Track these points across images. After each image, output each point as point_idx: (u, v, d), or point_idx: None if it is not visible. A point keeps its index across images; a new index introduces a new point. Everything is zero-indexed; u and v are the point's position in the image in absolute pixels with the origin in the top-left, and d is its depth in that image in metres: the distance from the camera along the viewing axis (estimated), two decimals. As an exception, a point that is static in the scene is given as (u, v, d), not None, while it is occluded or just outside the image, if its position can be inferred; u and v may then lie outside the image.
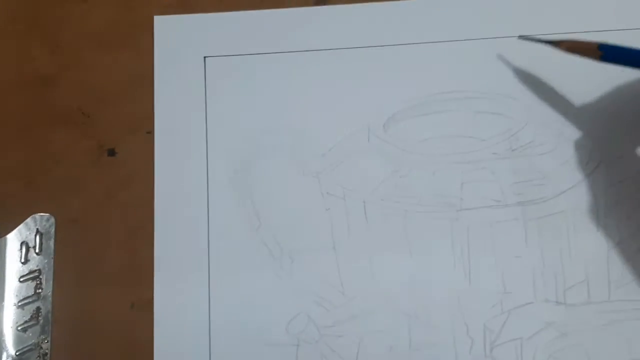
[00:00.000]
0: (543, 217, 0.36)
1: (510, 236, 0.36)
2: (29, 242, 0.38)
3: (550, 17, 0.39)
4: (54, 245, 0.38)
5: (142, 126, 0.39)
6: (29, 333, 0.37)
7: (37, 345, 0.37)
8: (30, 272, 0.38)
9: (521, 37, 0.38)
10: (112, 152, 0.39)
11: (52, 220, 0.38)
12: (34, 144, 0.39)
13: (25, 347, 0.37)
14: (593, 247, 0.36)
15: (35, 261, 0.38)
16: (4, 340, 0.37)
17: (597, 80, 0.38)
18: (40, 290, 0.37)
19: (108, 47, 0.41)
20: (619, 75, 0.36)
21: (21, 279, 0.38)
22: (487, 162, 0.37)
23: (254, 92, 0.39)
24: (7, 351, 0.36)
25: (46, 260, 0.38)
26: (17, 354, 0.36)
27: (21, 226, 0.38)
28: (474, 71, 0.39)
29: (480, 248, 0.36)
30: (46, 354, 0.37)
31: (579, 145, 0.37)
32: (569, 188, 0.37)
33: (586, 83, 0.38)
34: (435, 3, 0.40)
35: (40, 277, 0.38)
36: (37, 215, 0.38)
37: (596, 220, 0.36)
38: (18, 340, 0.37)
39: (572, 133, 0.38)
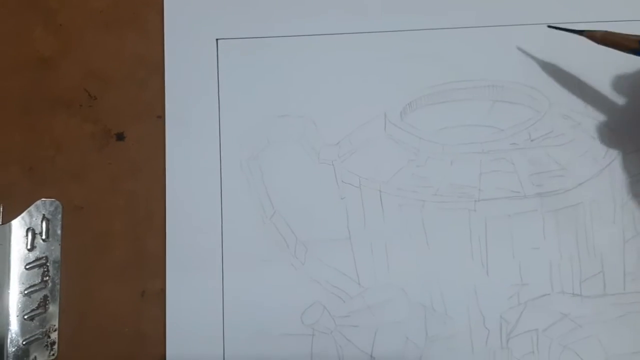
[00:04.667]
0: (561, 209, 0.36)
1: (529, 228, 0.36)
2: (35, 228, 0.37)
3: (574, 5, 0.39)
4: (61, 231, 0.37)
5: (152, 110, 0.38)
6: (36, 322, 0.36)
7: (45, 334, 0.36)
8: (37, 259, 0.37)
9: (550, 26, 0.37)
10: (120, 137, 0.38)
11: (59, 205, 0.37)
12: (36, 128, 0.38)
13: (32, 336, 0.36)
14: (609, 239, 0.36)
15: (41, 248, 0.37)
16: (10, 329, 0.36)
17: (617, 72, 0.37)
18: (47, 278, 0.36)
19: (113, 26, 0.39)
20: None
21: (27, 267, 0.36)
22: (506, 153, 0.37)
23: (268, 76, 0.38)
24: (13, 340, 0.35)
25: (53, 247, 0.37)
26: (23, 343, 0.35)
27: (26, 212, 0.37)
28: (494, 59, 0.38)
29: (497, 239, 0.36)
30: (54, 343, 0.36)
31: (597, 137, 0.37)
32: (586, 180, 0.37)
33: (606, 74, 0.37)
34: (455, -12, 0.39)
35: (47, 264, 0.37)
36: (43, 201, 0.37)
37: (613, 213, 0.36)
38: (25, 329, 0.36)
39: (591, 124, 0.37)
